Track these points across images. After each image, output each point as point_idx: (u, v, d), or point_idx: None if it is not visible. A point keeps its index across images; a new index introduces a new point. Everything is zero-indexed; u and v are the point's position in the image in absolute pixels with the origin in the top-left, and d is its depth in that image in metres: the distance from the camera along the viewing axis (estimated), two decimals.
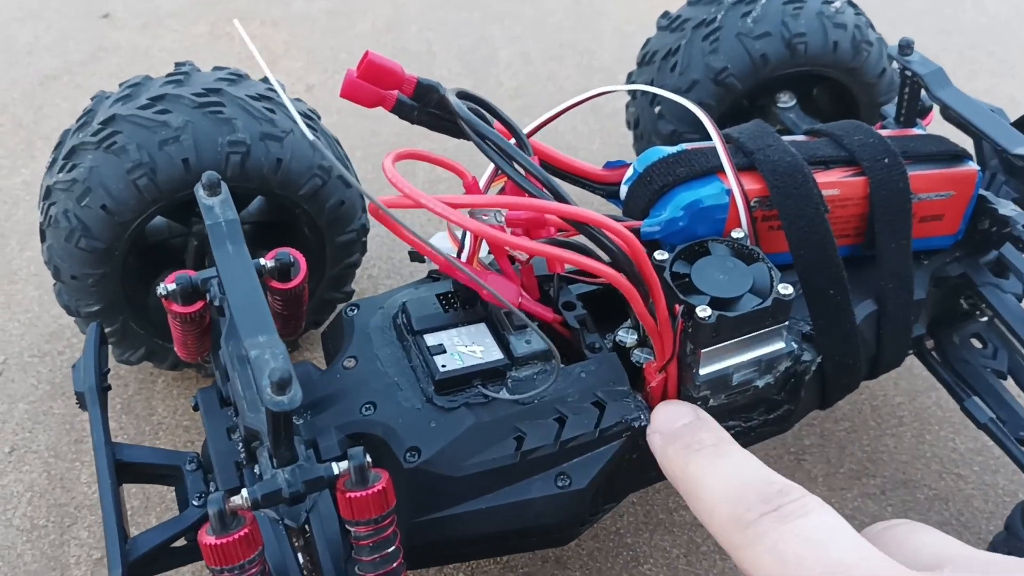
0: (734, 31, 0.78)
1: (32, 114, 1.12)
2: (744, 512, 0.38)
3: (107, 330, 0.69)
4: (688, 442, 0.44)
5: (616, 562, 0.67)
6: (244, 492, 0.42)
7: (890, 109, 0.69)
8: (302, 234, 0.72)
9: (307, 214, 0.69)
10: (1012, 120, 0.69)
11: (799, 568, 0.35)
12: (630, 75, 0.88)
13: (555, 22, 1.31)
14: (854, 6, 0.82)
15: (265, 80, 0.73)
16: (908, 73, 0.64)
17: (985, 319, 0.66)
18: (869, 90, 0.82)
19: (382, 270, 0.90)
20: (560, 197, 0.46)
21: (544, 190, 0.47)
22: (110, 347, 0.70)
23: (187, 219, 0.70)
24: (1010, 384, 0.65)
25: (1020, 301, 0.64)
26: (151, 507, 0.70)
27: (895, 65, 0.68)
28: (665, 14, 0.85)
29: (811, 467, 0.73)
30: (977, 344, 0.67)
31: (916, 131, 0.66)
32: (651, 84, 0.82)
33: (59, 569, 0.66)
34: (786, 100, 0.81)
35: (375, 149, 1.05)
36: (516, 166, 0.47)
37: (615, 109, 1.11)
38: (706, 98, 0.78)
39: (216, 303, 0.51)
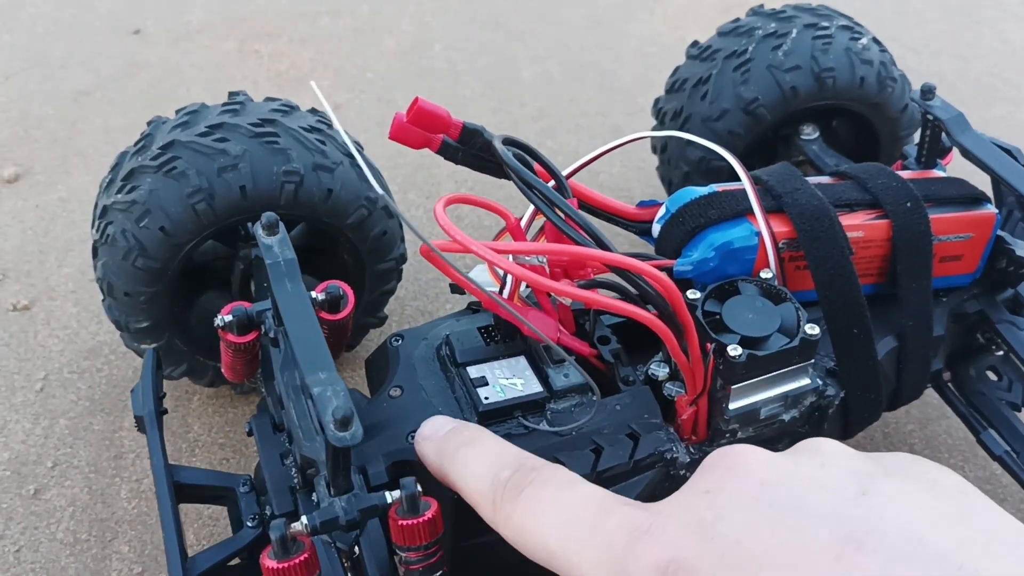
0: (765, 63, 0.80)
1: (66, 129, 1.15)
2: (501, 486, 0.42)
3: (152, 346, 0.72)
4: (458, 442, 0.47)
5: None
6: (304, 519, 0.45)
7: (911, 149, 0.72)
8: (342, 260, 0.75)
9: (350, 242, 0.72)
10: None
11: (551, 517, 0.39)
12: (657, 100, 0.91)
13: (576, 42, 1.34)
14: (878, 43, 0.84)
15: (313, 111, 0.75)
16: (930, 117, 0.66)
17: (1001, 353, 0.69)
18: (891, 124, 0.84)
19: (409, 291, 0.93)
20: (601, 243, 0.49)
21: (585, 235, 0.49)
22: None
23: (235, 243, 0.73)
24: None
25: None
26: (188, 523, 0.73)
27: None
28: (695, 43, 0.88)
29: None
30: (993, 377, 0.70)
31: (937, 172, 0.68)
32: (680, 111, 0.85)
33: None
34: (809, 132, 0.84)
35: (401, 170, 1.07)
36: (559, 212, 0.50)
37: (635, 132, 1.13)
38: (735, 127, 0.80)
39: (271, 335, 0.54)
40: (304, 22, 1.37)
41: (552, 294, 0.56)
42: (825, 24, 0.82)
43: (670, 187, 0.90)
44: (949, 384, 0.70)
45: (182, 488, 0.54)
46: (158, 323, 0.70)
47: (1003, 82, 1.26)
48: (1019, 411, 0.68)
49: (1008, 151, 0.72)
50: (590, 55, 1.31)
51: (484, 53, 1.31)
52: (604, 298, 0.48)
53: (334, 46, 1.32)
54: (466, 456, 0.46)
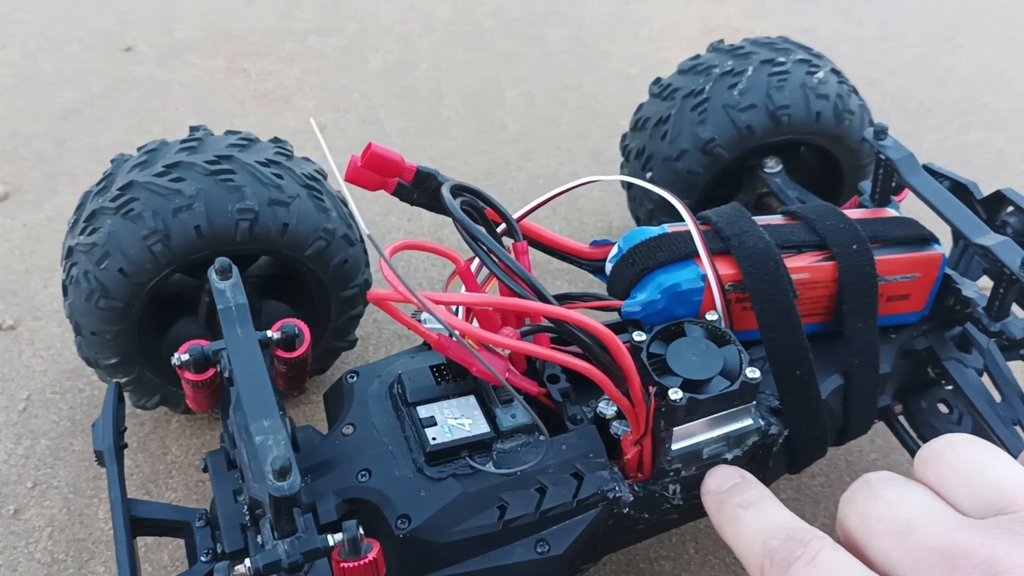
0: (721, 102, 0.82)
1: (55, 148, 1.17)
2: (771, 555, 0.42)
3: (124, 380, 0.73)
4: (738, 501, 0.49)
5: None
6: (247, 562, 0.46)
7: (866, 186, 0.73)
8: (307, 288, 0.76)
9: (312, 272, 0.74)
10: (984, 195, 0.73)
11: None
12: (624, 137, 0.92)
13: (560, 63, 1.35)
14: (838, 74, 0.85)
15: (275, 141, 0.77)
16: (882, 157, 0.68)
17: (951, 387, 0.70)
18: (852, 154, 0.86)
19: (386, 316, 0.94)
20: (542, 296, 0.51)
21: (524, 286, 0.51)
22: (127, 395, 0.75)
23: (200, 275, 0.75)
24: None
25: (981, 375, 0.68)
26: (163, 545, 0.75)
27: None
28: (657, 81, 0.89)
29: None
30: (944, 409, 0.71)
31: (890, 211, 0.69)
32: (643, 150, 0.86)
33: None
34: (772, 165, 0.85)
35: (382, 192, 1.09)
36: (500, 264, 0.51)
37: (613, 155, 1.15)
38: (695, 166, 0.82)
39: (226, 374, 0.56)
40: (292, 40, 1.39)
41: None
42: (782, 60, 0.83)
43: (638, 222, 0.92)
44: (900, 417, 0.71)
45: (139, 522, 0.56)
46: (127, 358, 0.72)
47: (980, 107, 1.27)
48: None
49: (964, 186, 0.73)
50: (572, 77, 1.32)
51: (468, 74, 1.32)
52: (540, 348, 0.50)
53: (320, 65, 1.33)
54: (742, 518, 0.47)
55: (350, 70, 1.33)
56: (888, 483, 0.40)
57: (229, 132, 0.75)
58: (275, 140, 0.77)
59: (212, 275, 0.54)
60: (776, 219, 0.66)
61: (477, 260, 0.59)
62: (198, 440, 0.83)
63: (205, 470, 0.58)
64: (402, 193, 0.60)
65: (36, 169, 1.14)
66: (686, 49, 1.35)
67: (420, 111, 1.25)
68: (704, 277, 0.59)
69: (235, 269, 0.54)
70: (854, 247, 0.62)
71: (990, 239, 0.62)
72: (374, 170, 0.58)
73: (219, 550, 0.55)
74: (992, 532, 0.34)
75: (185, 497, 0.79)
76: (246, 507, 0.54)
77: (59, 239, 1.03)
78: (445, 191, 0.54)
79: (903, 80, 1.32)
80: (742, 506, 0.48)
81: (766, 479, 0.62)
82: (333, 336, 0.80)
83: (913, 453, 0.70)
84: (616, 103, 1.27)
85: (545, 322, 0.57)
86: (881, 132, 0.68)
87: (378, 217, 1.06)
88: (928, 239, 0.65)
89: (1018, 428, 0.67)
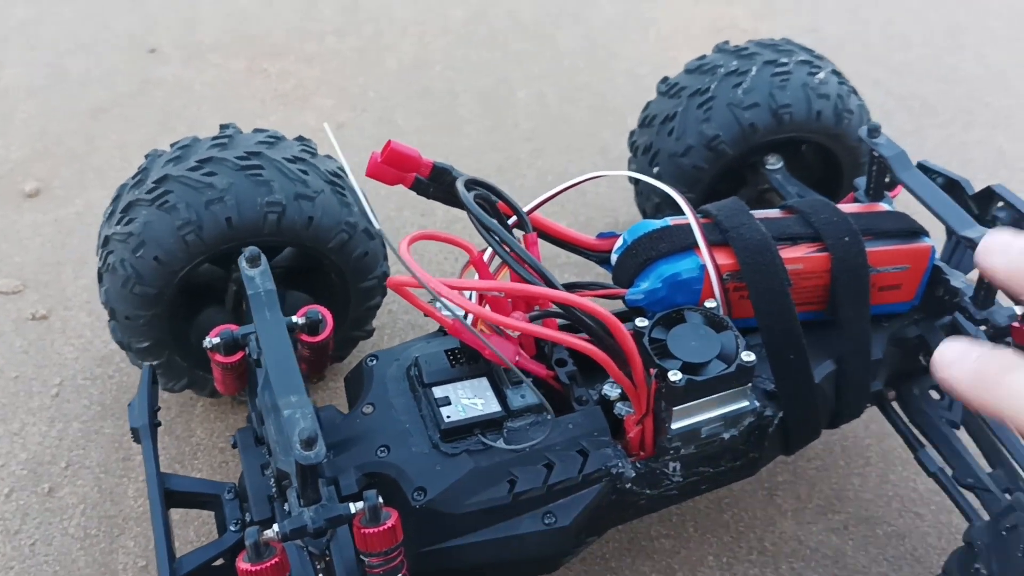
0: (726, 101, 0.85)
1: (84, 145, 1.21)
2: None
3: (154, 363, 0.77)
4: (996, 368, 0.40)
5: None
6: (275, 527, 0.50)
7: (861, 182, 0.76)
8: (329, 279, 0.80)
9: (334, 263, 0.77)
10: (976, 190, 0.76)
11: None
12: (632, 134, 0.96)
13: (571, 63, 1.39)
14: (838, 75, 0.89)
15: (299, 139, 0.80)
16: (876, 154, 0.71)
17: None
18: (851, 152, 0.89)
19: (401, 306, 0.98)
20: (549, 282, 0.54)
21: (534, 273, 0.55)
22: None
23: (228, 265, 0.79)
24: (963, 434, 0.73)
25: None
26: (189, 522, 0.79)
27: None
28: (664, 79, 0.93)
29: (782, 502, 0.80)
30: (935, 396, 0.74)
31: (883, 206, 0.73)
32: (650, 147, 0.90)
33: (109, 574, 0.75)
34: (773, 162, 0.88)
35: (396, 189, 1.12)
36: (511, 253, 0.55)
37: (622, 153, 1.18)
38: (699, 162, 0.85)
39: (254, 356, 0.60)
40: (311, 41, 1.43)
41: None
42: (784, 60, 0.86)
43: (644, 215, 0.96)
44: (893, 403, 0.74)
45: (173, 495, 0.60)
46: (158, 343, 0.76)
47: (983, 106, 1.30)
48: (958, 428, 0.72)
49: (957, 182, 0.76)
50: (583, 76, 1.36)
51: (481, 74, 1.36)
52: (547, 330, 0.53)
53: (338, 65, 1.37)
54: (1016, 383, 0.39)
55: (367, 70, 1.37)
56: None
57: (257, 130, 0.79)
58: (300, 139, 0.80)
59: (242, 263, 0.58)
60: (773, 213, 0.69)
61: (490, 250, 0.63)
62: (222, 423, 0.87)
63: (234, 446, 0.62)
64: (419, 187, 0.63)
65: (66, 166, 1.18)
66: (694, 49, 1.38)
67: (435, 110, 1.28)
68: (703, 267, 0.63)
69: (263, 257, 0.58)
70: (846, 239, 0.65)
71: (975, 231, 0.65)
72: (393, 165, 0.61)
73: (247, 519, 0.59)
74: None
75: (209, 477, 0.83)
76: (273, 480, 0.58)
77: (89, 233, 1.07)
78: (459, 185, 0.58)
79: (909, 80, 1.35)
80: (1008, 370, 0.40)
81: (761, 460, 0.66)
82: (352, 326, 0.84)
83: (904, 438, 0.73)
84: (626, 102, 1.30)
85: (553, 308, 0.61)
86: (875, 130, 0.72)
87: (393, 212, 1.10)
88: (918, 232, 0.69)
89: None
